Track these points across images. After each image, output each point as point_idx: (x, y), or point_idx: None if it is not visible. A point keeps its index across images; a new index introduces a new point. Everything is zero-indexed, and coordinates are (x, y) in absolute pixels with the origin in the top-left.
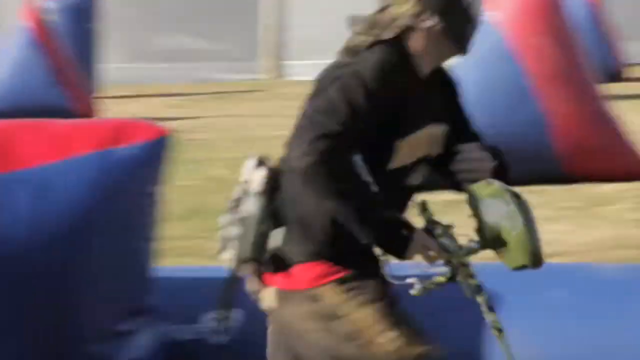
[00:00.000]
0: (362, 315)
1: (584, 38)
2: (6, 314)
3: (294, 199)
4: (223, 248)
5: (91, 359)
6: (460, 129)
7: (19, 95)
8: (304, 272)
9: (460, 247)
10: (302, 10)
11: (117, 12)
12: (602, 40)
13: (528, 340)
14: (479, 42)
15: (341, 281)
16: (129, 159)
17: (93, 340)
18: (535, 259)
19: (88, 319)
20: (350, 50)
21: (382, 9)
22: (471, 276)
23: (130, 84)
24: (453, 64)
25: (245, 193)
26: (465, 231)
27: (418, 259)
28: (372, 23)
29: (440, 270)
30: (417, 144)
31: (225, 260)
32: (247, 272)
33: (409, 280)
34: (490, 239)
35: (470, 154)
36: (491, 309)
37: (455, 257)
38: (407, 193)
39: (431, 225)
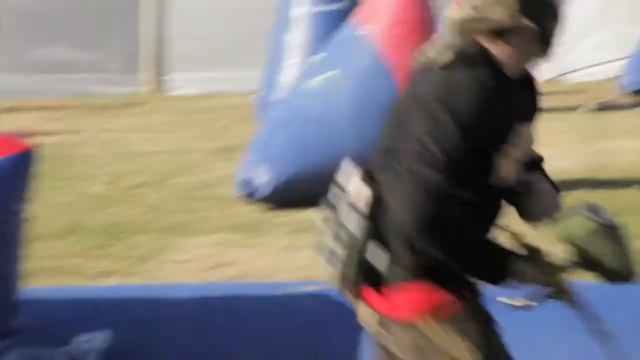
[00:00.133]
0: (464, 352)
1: None
2: None
3: (399, 225)
4: (325, 261)
5: None
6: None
7: None
8: (406, 299)
9: (557, 267)
10: (182, 23)
11: None
12: None
13: None
14: (355, 56)
15: (443, 312)
16: None
17: None
18: (631, 275)
19: None
20: (443, 63)
21: (468, 14)
22: (571, 293)
23: (5, 97)
24: (329, 79)
25: (347, 207)
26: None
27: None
28: (459, 29)
29: (536, 289)
30: (517, 152)
31: (327, 275)
32: (348, 291)
33: (510, 301)
34: (590, 264)
35: (541, 188)
36: (596, 319)
37: (553, 278)
38: (501, 201)
39: (525, 249)
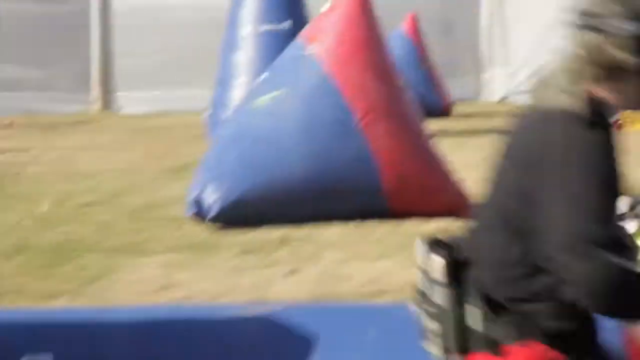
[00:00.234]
0: None
1: (408, 75)
2: None
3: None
4: (426, 339)
5: None
6: None
7: None
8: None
9: None
10: (132, 41)
11: None
12: (425, 77)
13: None
14: (302, 75)
15: None
16: None
17: None
18: None
19: None
20: (557, 109)
21: (582, 54)
22: None
23: None
24: (276, 98)
25: (429, 284)
26: None
27: None
28: (572, 70)
29: None
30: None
31: (433, 353)
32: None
33: None
34: None
35: None
36: None
37: None
38: None
39: None
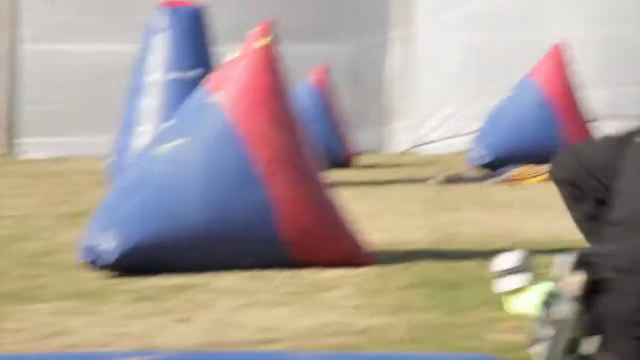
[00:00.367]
0: None
1: (312, 125)
2: None
3: None
4: (534, 344)
5: None
6: None
7: None
8: None
9: None
10: (35, 87)
11: None
12: (330, 128)
13: None
14: (205, 124)
15: None
16: None
17: None
18: None
19: None
20: None
21: None
22: None
23: None
24: (179, 146)
25: (560, 293)
26: None
27: None
28: None
29: None
30: None
31: (535, 355)
32: None
33: None
34: None
35: None
36: None
37: None
38: None
39: None
